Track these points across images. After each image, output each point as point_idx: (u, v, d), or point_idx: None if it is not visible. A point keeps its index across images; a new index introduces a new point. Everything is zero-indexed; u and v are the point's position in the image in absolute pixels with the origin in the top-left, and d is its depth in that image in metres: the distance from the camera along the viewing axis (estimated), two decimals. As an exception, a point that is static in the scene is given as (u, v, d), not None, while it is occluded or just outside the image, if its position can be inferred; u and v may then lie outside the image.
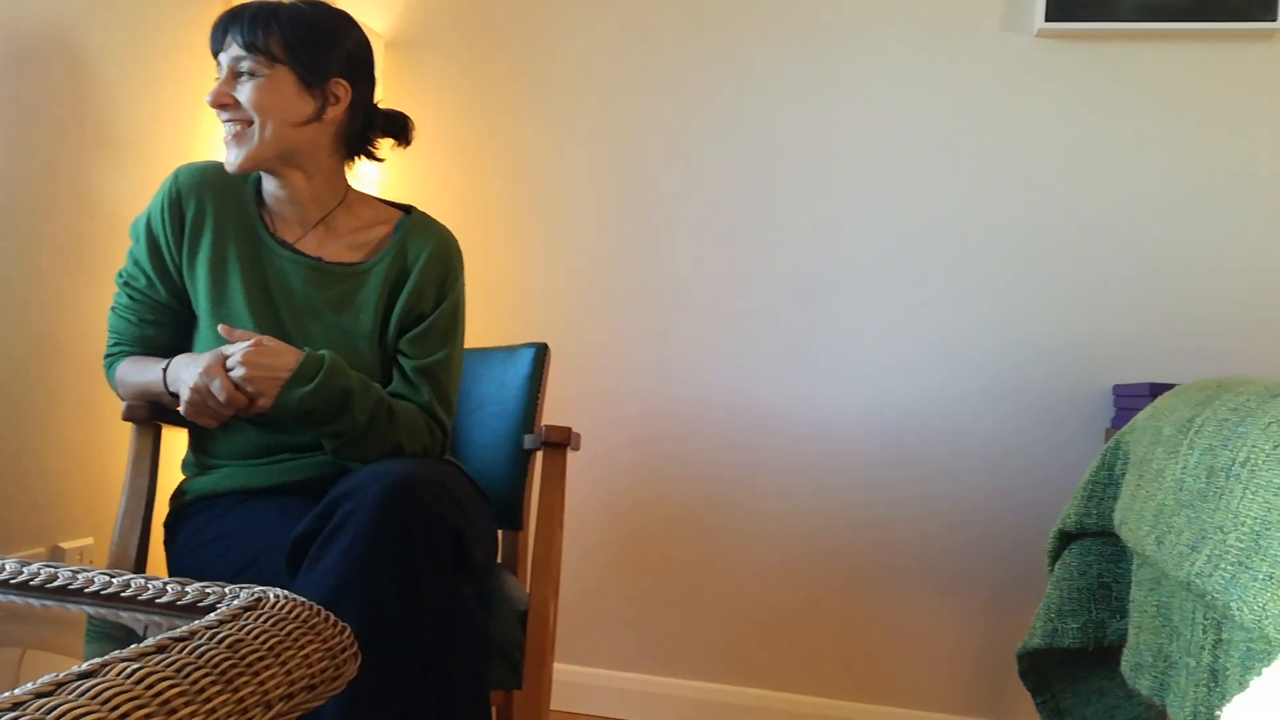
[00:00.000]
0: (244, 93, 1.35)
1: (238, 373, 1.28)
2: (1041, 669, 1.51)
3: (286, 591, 0.92)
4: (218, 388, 1.28)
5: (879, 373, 2.11)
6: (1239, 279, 1.98)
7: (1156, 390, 1.75)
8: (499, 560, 1.65)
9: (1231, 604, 0.83)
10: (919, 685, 2.09)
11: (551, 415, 2.16)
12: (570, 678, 2.22)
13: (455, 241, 1.53)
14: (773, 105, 2.16)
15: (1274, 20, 1.92)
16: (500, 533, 1.66)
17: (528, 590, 1.51)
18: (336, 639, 0.94)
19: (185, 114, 1.98)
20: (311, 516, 1.18)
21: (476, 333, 2.20)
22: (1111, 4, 1.98)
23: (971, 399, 2.07)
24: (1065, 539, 1.49)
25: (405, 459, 1.31)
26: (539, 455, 1.58)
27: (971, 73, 2.08)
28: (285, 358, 1.30)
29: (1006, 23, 2.07)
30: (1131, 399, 1.88)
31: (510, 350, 1.76)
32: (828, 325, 2.13)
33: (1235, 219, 1.98)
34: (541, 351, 1.72)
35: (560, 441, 1.54)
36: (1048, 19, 2.01)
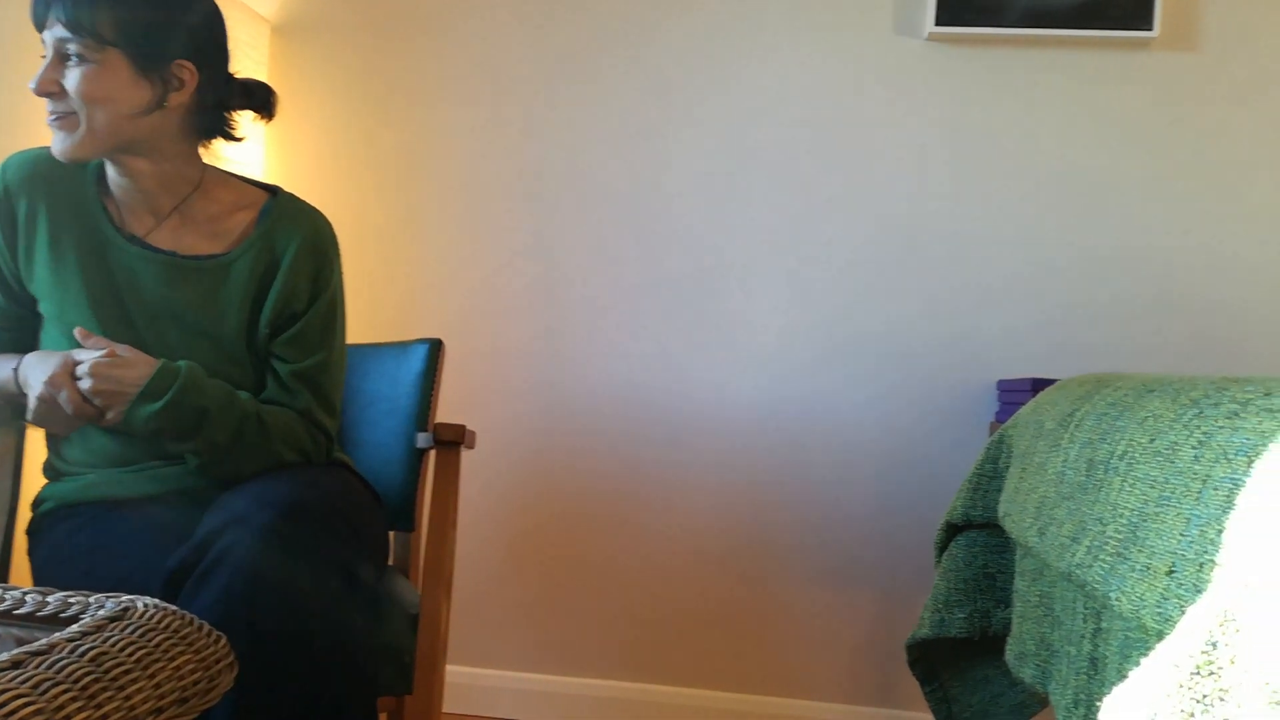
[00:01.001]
0: (71, 80, 1.19)
1: (85, 384, 1.17)
2: (930, 659, 1.54)
3: (157, 601, 0.87)
4: (64, 399, 1.17)
5: (772, 368, 2.13)
6: (1114, 278, 2.05)
7: (1038, 385, 1.81)
8: (390, 563, 1.61)
9: (1110, 594, 0.86)
10: (814, 676, 2.12)
11: (445, 413, 2.12)
12: (465, 679, 2.18)
13: (329, 228, 1.41)
14: (668, 101, 2.16)
15: (1150, 30, 2.00)
16: (391, 534, 1.61)
17: (419, 592, 1.47)
18: (210, 649, 0.90)
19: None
20: (187, 548, 1.10)
21: (367, 328, 2.14)
22: (999, 10, 2.03)
23: (863, 394, 2.11)
24: (952, 531, 1.53)
25: (287, 477, 1.22)
26: (432, 454, 1.54)
27: (864, 74, 2.12)
28: (137, 370, 1.19)
29: (898, 26, 2.11)
30: (1014, 393, 1.94)
31: (402, 346, 1.72)
32: (722, 321, 2.14)
33: (1111, 221, 2.06)
34: (435, 347, 1.68)
35: (454, 440, 1.51)
36: (938, 23, 2.05)
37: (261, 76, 2.09)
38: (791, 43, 2.13)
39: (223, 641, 0.90)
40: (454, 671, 2.18)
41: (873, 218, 2.11)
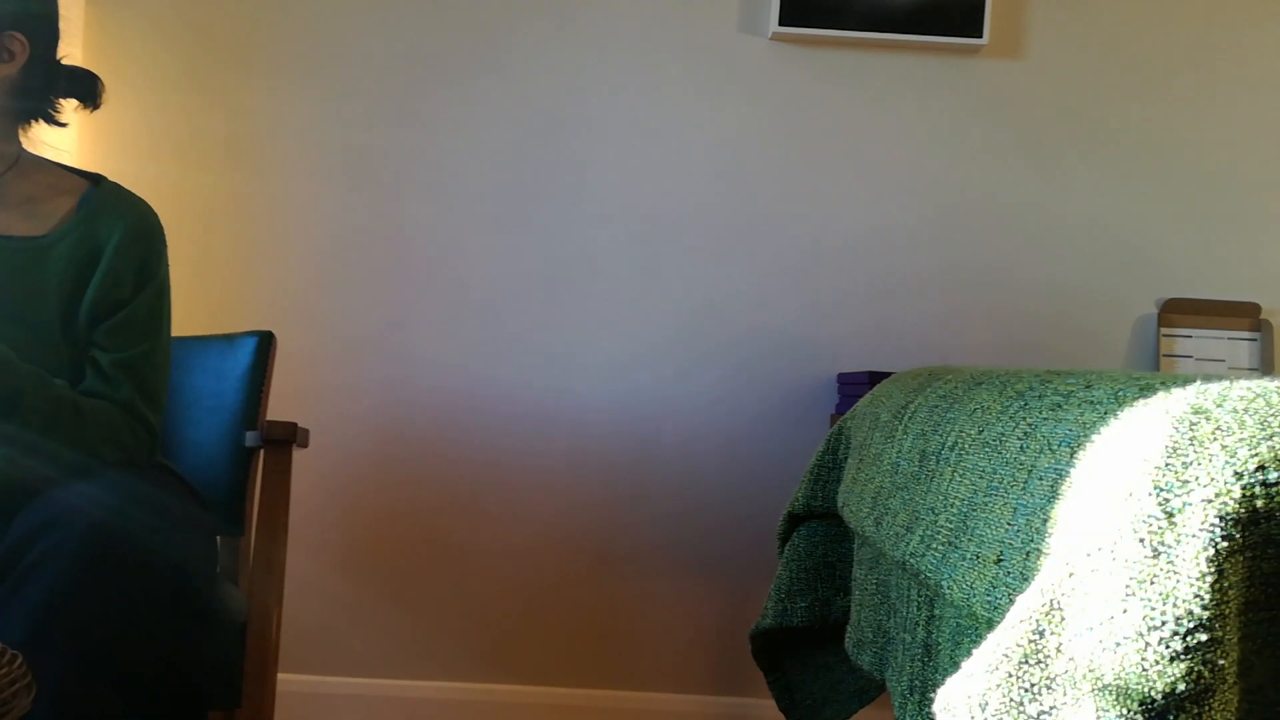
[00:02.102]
0: None
1: None
2: (773, 648, 1.56)
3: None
4: None
5: (620, 363, 2.12)
6: (947, 275, 2.14)
7: (875, 378, 1.86)
8: (217, 569, 1.52)
9: (942, 582, 0.88)
10: (666, 669, 2.13)
11: (277, 411, 2.01)
12: (303, 689, 2.09)
13: (155, 218, 1.36)
14: (513, 94, 2.12)
15: (981, 37, 2.09)
16: (219, 539, 1.52)
17: (248, 600, 1.39)
18: (4, 670, 0.82)
19: None
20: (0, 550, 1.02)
21: (191, 320, 2.01)
22: (840, 11, 2.08)
23: (709, 388, 2.13)
24: (794, 521, 1.55)
25: (108, 478, 1.14)
26: (261, 454, 1.46)
27: (709, 72, 2.13)
28: None
29: (743, 25, 2.13)
30: (853, 386, 1.99)
31: (229, 339, 1.62)
32: (569, 315, 2.12)
33: (944, 221, 2.14)
34: (265, 341, 1.59)
35: (284, 438, 1.43)
36: (781, 23, 2.08)
37: (74, 47, 1.94)
38: (636, 37, 2.12)
39: (18, 662, 0.83)
40: (290, 681, 2.08)
41: (715, 215, 2.13)
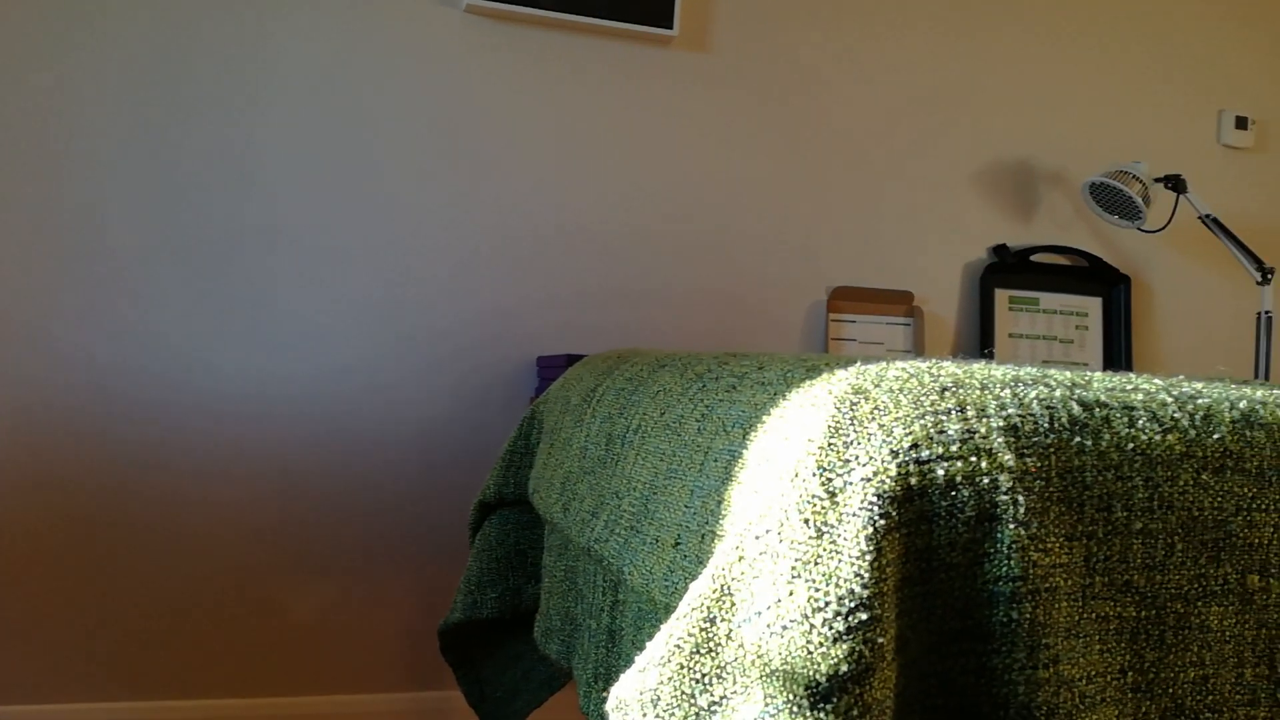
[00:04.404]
0: None
1: None
2: (463, 642, 1.51)
3: None
4: None
5: (306, 348, 1.97)
6: (642, 259, 2.17)
7: (573, 361, 1.85)
8: None
9: (624, 568, 0.86)
10: (357, 669, 2.01)
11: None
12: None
13: None
14: (171, 58, 1.90)
15: (671, 28, 2.12)
16: None
17: None
18: None
19: None
20: None
21: None
22: (534, -13, 2.04)
23: (403, 373, 2.03)
24: (486, 510, 1.51)
25: None
26: None
27: (400, 42, 2.02)
28: None
29: (437, -7, 2.04)
30: (552, 369, 1.97)
31: None
32: (245, 293, 1.94)
33: (639, 206, 2.17)
34: None
35: None
36: (475, -6, 2.01)
37: None
38: (328, 5, 1.97)
39: None
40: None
41: (413, 193, 2.03)
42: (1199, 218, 2.30)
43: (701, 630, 0.59)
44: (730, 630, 0.58)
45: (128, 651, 1.90)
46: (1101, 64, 2.49)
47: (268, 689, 1.97)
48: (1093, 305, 2.45)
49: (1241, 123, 2.57)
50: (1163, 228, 2.43)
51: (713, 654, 0.58)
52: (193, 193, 1.92)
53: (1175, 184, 2.28)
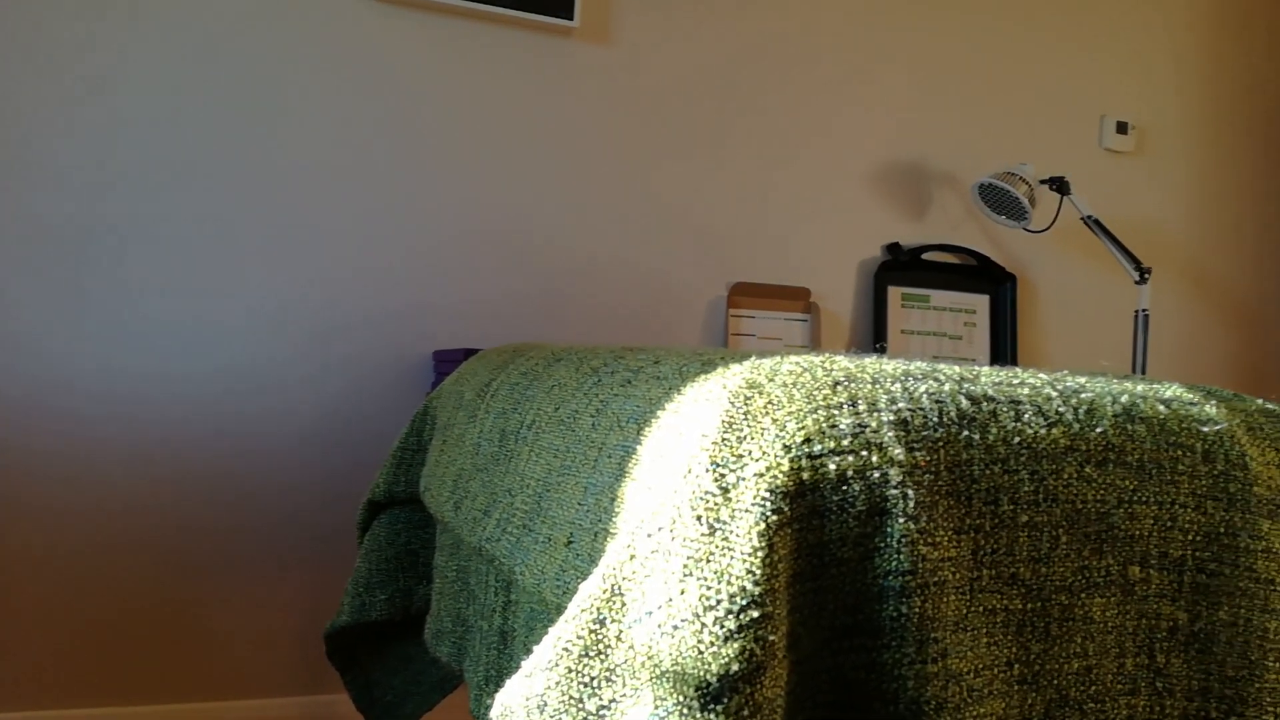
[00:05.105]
0: None
1: None
2: (350, 645, 1.46)
3: None
4: None
5: (191, 342, 1.89)
6: (542, 251, 2.14)
7: (470, 355, 1.81)
8: None
9: (516, 568, 0.84)
10: (239, 674, 1.93)
11: None
12: None
13: None
14: (55, 38, 1.80)
15: (572, 19, 2.10)
16: None
17: None
18: None
19: None
20: None
21: None
22: (432, -27, 1.99)
23: (294, 370, 1.96)
24: (375, 509, 1.46)
25: None
26: None
27: (299, 28, 1.95)
28: None
29: (330, -25, 1.97)
30: (449, 364, 1.93)
31: None
32: (123, 286, 1.85)
33: (540, 200, 2.14)
34: None
35: None
36: (371, -23, 1.95)
37: None
38: (205, -28, 1.89)
39: None
40: None
41: (308, 185, 1.96)
42: (1081, 219, 2.39)
43: (591, 632, 0.57)
44: (620, 631, 0.56)
45: (14, 661, 1.79)
46: (991, 69, 2.55)
47: (146, 696, 1.88)
48: (981, 303, 2.52)
49: (1122, 127, 2.67)
50: (1047, 228, 2.51)
51: (602, 656, 0.56)
52: (50, 178, 1.81)
53: (1059, 186, 2.36)
